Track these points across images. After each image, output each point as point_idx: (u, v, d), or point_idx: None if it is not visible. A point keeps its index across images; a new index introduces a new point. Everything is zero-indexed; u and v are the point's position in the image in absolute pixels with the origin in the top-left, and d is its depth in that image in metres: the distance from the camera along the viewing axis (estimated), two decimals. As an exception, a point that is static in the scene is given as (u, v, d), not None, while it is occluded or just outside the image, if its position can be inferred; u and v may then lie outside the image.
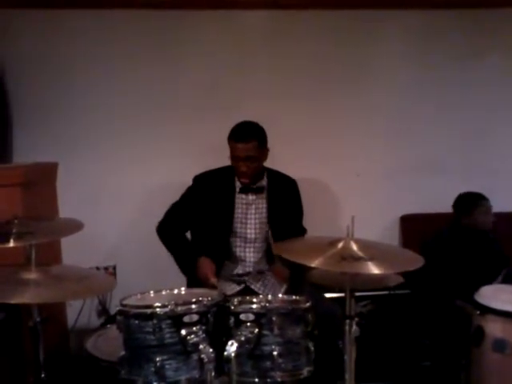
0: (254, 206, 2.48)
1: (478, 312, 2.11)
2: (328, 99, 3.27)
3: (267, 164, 2.57)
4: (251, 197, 2.47)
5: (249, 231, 2.47)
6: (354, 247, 1.79)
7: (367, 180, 3.30)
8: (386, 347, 2.74)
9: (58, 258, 2.99)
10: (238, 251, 2.49)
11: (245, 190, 2.47)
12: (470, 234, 2.83)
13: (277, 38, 3.22)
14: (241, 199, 2.47)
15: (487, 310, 2.08)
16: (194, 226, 2.54)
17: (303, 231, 2.59)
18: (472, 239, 2.81)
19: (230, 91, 3.18)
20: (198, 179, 2.55)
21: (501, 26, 3.30)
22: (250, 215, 2.47)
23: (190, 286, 2.42)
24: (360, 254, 1.76)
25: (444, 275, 2.67)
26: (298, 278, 2.35)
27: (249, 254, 2.48)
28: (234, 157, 2.40)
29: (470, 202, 2.87)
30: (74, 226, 2.03)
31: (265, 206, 2.48)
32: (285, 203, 2.51)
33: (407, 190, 3.33)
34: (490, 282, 2.46)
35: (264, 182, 2.51)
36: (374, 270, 1.70)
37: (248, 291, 2.42)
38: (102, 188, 3.18)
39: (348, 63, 3.27)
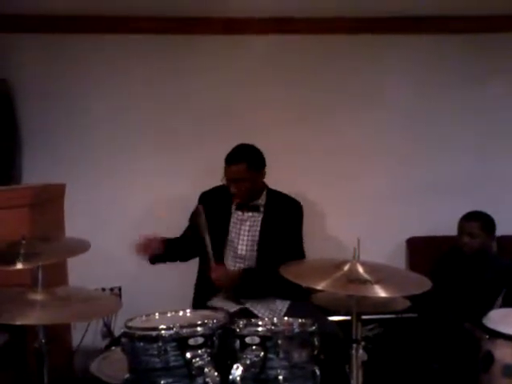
0: (248, 223, 2.52)
1: (487, 336, 2.08)
2: (335, 121, 3.29)
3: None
4: (247, 214, 2.52)
5: (240, 247, 2.51)
6: (361, 270, 1.78)
7: (373, 202, 3.30)
8: (393, 372, 2.69)
9: (65, 279, 2.99)
10: (230, 265, 2.52)
11: (241, 207, 2.53)
12: (459, 255, 2.79)
13: (285, 61, 3.26)
14: (237, 215, 2.53)
15: (496, 335, 2.05)
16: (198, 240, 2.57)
17: (301, 256, 2.51)
18: (462, 262, 2.77)
19: (235, 112, 3.22)
20: (202, 195, 2.65)
21: (509, 49, 3.32)
22: (244, 231, 2.51)
23: (195, 307, 2.42)
24: (366, 276, 1.75)
25: (447, 297, 2.65)
26: (300, 300, 2.35)
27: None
28: (225, 178, 2.47)
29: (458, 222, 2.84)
30: (81, 246, 2.03)
31: (259, 224, 2.51)
32: (281, 224, 2.50)
33: (413, 213, 3.31)
34: (489, 305, 2.43)
35: (261, 201, 2.53)
36: (380, 293, 1.69)
37: (248, 313, 2.40)
38: (108, 209, 3.19)
39: (357, 86, 3.30)
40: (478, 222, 2.76)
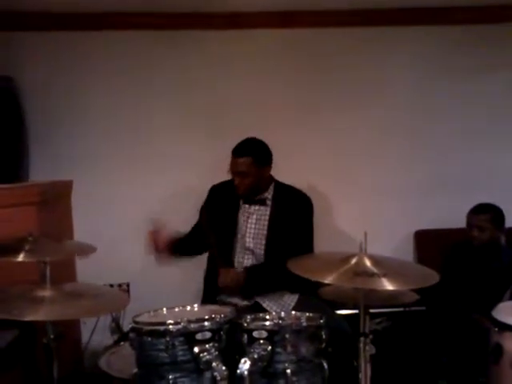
0: (255, 216, 2.52)
1: (496, 329, 2.07)
2: (342, 116, 3.27)
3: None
4: (254, 207, 2.53)
5: (247, 240, 2.51)
6: (368, 263, 1.78)
7: (381, 195, 3.28)
8: (402, 365, 2.69)
9: (73, 276, 3.01)
10: (238, 258, 2.53)
11: (247, 201, 2.53)
12: (469, 248, 2.78)
13: (288, 56, 3.24)
14: (244, 208, 2.54)
15: (506, 327, 2.04)
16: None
17: (309, 251, 2.48)
18: (472, 254, 2.77)
19: (241, 108, 3.20)
20: (212, 189, 2.67)
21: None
22: (251, 224, 2.52)
23: (205, 302, 2.43)
24: (374, 269, 1.74)
25: (457, 290, 2.64)
26: (308, 294, 2.35)
27: (247, 261, 2.51)
28: (231, 169, 2.49)
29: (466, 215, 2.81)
30: (86, 249, 2.05)
31: (267, 218, 2.51)
32: (290, 218, 2.49)
33: (421, 206, 3.29)
34: (498, 297, 2.42)
35: (268, 195, 2.53)
36: (388, 286, 1.69)
37: (257, 307, 2.40)
38: (116, 205, 3.20)
39: (360, 80, 3.27)
40: (487, 214, 2.74)
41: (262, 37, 3.22)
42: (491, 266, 2.73)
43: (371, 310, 1.82)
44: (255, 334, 1.71)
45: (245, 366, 1.63)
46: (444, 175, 3.32)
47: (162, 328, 1.67)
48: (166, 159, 3.23)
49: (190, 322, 1.68)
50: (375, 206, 3.27)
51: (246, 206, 2.54)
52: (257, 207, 2.52)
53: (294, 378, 1.69)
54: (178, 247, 2.57)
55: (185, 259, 2.68)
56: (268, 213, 2.51)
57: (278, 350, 1.70)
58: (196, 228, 2.66)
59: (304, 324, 1.76)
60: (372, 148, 3.30)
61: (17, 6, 3.03)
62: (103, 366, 1.96)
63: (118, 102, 3.21)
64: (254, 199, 2.53)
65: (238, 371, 1.63)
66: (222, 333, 1.71)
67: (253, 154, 2.45)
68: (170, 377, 1.65)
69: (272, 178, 2.58)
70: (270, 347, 1.69)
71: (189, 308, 1.92)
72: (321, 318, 1.80)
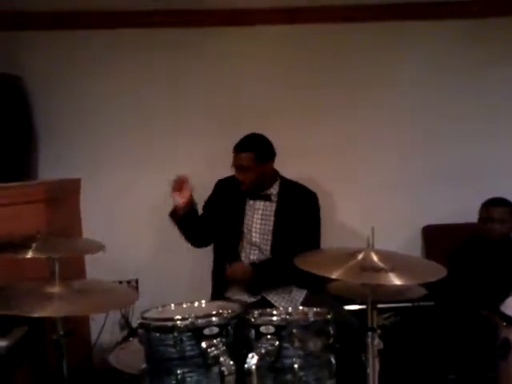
0: (260, 212, 2.54)
1: (505, 323, 2.06)
2: (346, 112, 3.26)
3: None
4: (259, 203, 2.54)
5: (254, 235, 2.52)
6: (375, 258, 1.78)
7: (388, 191, 3.27)
8: (409, 360, 2.69)
9: (82, 272, 3.03)
10: (245, 254, 2.54)
11: (252, 197, 2.54)
12: (483, 242, 2.76)
13: (290, 53, 3.23)
14: (249, 204, 2.55)
15: (514, 322, 2.03)
16: (212, 228, 2.61)
17: (316, 247, 2.51)
18: (487, 249, 2.74)
19: (242, 106, 3.19)
20: (218, 183, 2.69)
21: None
22: (256, 220, 2.53)
23: (214, 298, 2.45)
24: (381, 264, 1.74)
25: (467, 285, 2.63)
26: (316, 290, 2.35)
27: (253, 257, 2.52)
28: (233, 165, 2.51)
29: (480, 209, 2.79)
30: (95, 247, 2.06)
31: (273, 213, 2.52)
32: (296, 214, 2.50)
33: (429, 201, 3.27)
34: (508, 292, 2.41)
35: (273, 191, 2.54)
36: (395, 281, 1.69)
37: (265, 303, 2.41)
38: (124, 202, 3.21)
39: (364, 76, 3.25)
40: (506, 207, 2.73)
41: (267, 33, 3.21)
42: (505, 260, 2.70)
43: (379, 305, 1.82)
44: (262, 329, 1.72)
45: (252, 360, 1.64)
46: (452, 170, 3.29)
47: (169, 324, 1.68)
48: (173, 157, 3.23)
49: (197, 317, 1.69)
50: (383, 202, 3.26)
51: (251, 201, 2.55)
52: (262, 203, 2.53)
53: (302, 373, 1.70)
54: (192, 217, 2.53)
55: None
56: (274, 208, 2.52)
57: (286, 345, 1.70)
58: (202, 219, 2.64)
59: (311, 319, 1.76)
60: (378, 143, 3.29)
61: (25, 6, 3.05)
62: (112, 361, 1.98)
63: (126, 100, 3.22)
64: (259, 194, 2.54)
65: (246, 366, 1.64)
66: (229, 328, 1.71)
67: (254, 150, 2.46)
68: (179, 372, 1.66)
69: (277, 174, 2.58)
70: (277, 342, 1.70)
71: (196, 304, 1.93)
72: (328, 313, 1.80)
